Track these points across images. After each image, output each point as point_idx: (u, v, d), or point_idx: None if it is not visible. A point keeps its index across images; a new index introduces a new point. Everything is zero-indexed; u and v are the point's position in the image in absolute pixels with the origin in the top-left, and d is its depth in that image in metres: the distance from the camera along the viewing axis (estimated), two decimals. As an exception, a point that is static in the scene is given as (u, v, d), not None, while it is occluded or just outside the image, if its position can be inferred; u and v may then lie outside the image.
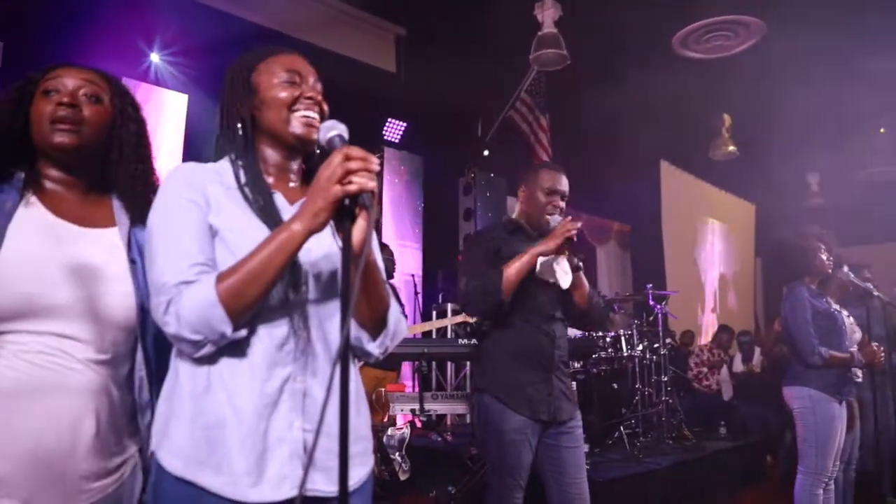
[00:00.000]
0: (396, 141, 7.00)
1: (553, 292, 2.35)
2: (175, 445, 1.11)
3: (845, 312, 3.29)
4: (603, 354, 5.06)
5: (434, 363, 5.95)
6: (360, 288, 1.11)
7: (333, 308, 1.21)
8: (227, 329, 1.07)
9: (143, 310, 1.28)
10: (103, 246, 1.31)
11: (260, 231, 1.15)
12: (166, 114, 5.24)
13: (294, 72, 1.26)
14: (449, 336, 6.24)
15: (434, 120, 6.78)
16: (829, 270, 3.24)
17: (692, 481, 4.77)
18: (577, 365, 4.96)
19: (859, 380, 3.25)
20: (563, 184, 2.38)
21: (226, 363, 1.12)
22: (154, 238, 1.15)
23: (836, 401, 3.06)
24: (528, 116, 7.46)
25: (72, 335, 1.22)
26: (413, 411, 3.95)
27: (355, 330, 1.23)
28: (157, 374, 1.28)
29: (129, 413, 1.31)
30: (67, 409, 1.20)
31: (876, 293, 3.15)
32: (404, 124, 6.94)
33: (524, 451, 2.22)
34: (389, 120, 6.85)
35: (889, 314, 3.67)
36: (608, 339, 5.11)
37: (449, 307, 6.27)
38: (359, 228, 1.05)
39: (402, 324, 1.31)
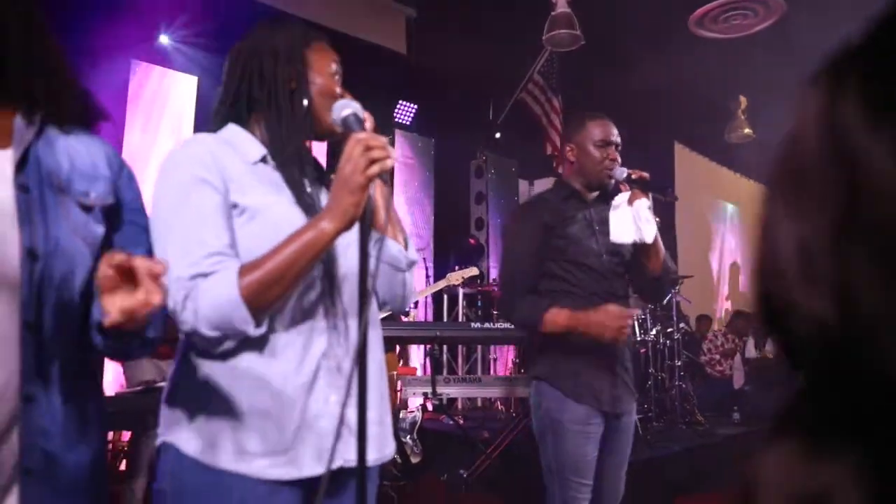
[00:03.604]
0: (407, 123, 6.95)
1: (622, 269, 2.09)
2: (208, 436, 1.07)
3: None
4: (616, 339, 5.03)
5: (445, 347, 5.93)
6: (388, 225, 1.17)
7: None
8: (249, 328, 1.03)
9: (36, 263, 0.90)
10: None
11: (289, 211, 1.13)
12: (176, 96, 5.21)
13: (338, 65, 1.25)
14: (460, 320, 6.23)
15: (445, 102, 6.72)
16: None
17: (705, 467, 4.75)
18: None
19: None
20: (615, 133, 2.09)
21: (255, 351, 1.08)
22: (162, 225, 1.08)
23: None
24: (540, 98, 7.37)
25: None
26: (425, 395, 3.95)
27: (394, 250, 1.24)
28: (51, 368, 0.88)
29: None
30: None
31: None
32: (415, 107, 6.88)
33: (588, 445, 1.96)
34: (400, 102, 6.79)
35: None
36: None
37: (461, 292, 6.25)
38: (379, 207, 1.06)
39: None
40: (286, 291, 1.05)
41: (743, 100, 7.93)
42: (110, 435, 3.81)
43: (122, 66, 4.84)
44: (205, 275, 1.03)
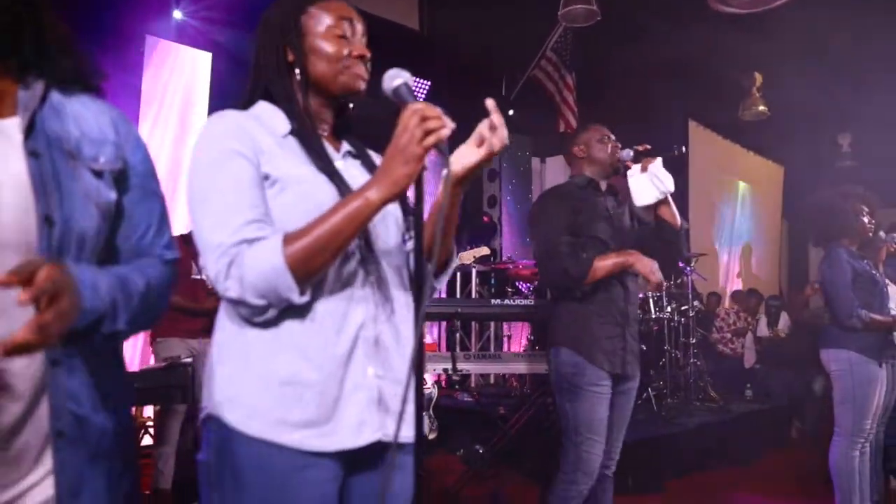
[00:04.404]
0: (420, 100, 6.88)
1: (630, 243, 2.36)
2: (249, 406, 1.08)
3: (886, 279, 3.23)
4: (631, 316, 5.05)
5: (459, 324, 5.96)
6: (441, 235, 1.13)
7: (400, 255, 1.21)
8: (295, 296, 1.03)
9: (53, 229, 0.88)
10: None
11: (319, 181, 1.12)
12: (190, 72, 5.19)
13: (347, 21, 1.20)
14: (473, 296, 6.24)
15: (458, 79, 6.66)
16: (871, 233, 3.16)
17: (719, 442, 4.79)
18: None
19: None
20: (608, 132, 2.48)
21: (295, 320, 1.09)
22: (199, 197, 1.08)
23: (875, 363, 3.02)
24: (553, 75, 7.31)
25: None
26: (445, 371, 3.97)
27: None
28: (71, 334, 0.84)
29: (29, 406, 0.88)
30: None
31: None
32: (428, 83, 6.82)
33: (602, 405, 2.23)
34: (413, 79, 6.71)
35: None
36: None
37: (473, 269, 6.25)
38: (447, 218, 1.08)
39: (456, 255, 1.33)
40: (331, 260, 1.05)
41: (758, 76, 7.84)
42: (133, 410, 3.87)
43: (136, 41, 4.81)
44: (248, 241, 1.03)
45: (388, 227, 1.18)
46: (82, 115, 0.98)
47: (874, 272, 3.13)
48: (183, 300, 3.58)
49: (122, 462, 0.99)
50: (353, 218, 1.03)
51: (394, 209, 1.19)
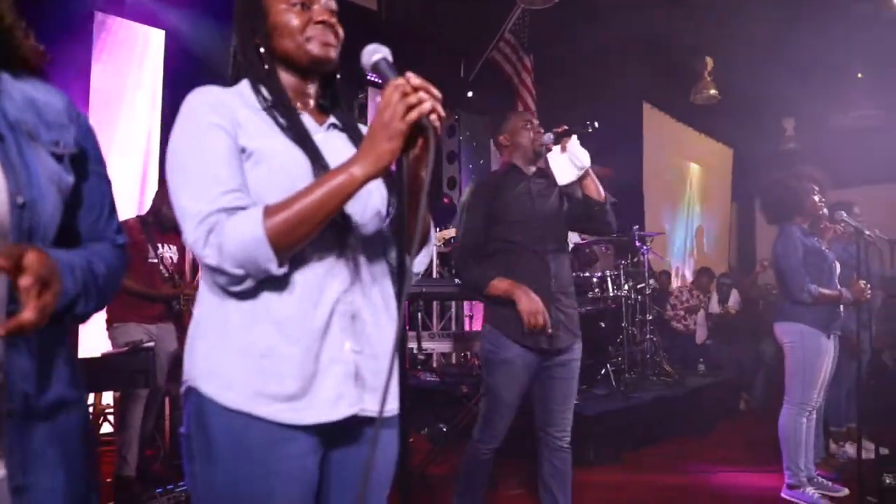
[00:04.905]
0: (379, 81, 6.82)
1: (554, 220, 2.50)
2: (225, 378, 1.09)
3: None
4: (590, 295, 5.16)
5: (422, 303, 5.99)
6: (414, 213, 1.09)
7: (378, 231, 1.22)
8: (273, 266, 1.04)
9: (23, 211, 0.89)
10: None
11: (294, 154, 1.13)
12: (143, 50, 5.03)
13: None
14: (434, 276, 6.27)
15: (416, 60, 6.60)
16: (821, 212, 3.31)
17: (674, 415, 4.97)
18: (565, 305, 5.06)
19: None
20: (533, 118, 2.61)
21: (273, 292, 1.09)
22: (178, 169, 1.09)
23: (824, 335, 3.18)
24: (511, 57, 7.34)
25: None
26: (410, 350, 4.00)
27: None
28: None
29: None
30: None
31: (867, 232, 3.24)
32: (386, 64, 6.76)
33: (515, 380, 2.39)
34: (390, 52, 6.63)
35: (871, 254, 3.79)
36: (595, 280, 5.21)
37: (434, 251, 6.28)
38: (418, 159, 1.04)
39: (433, 238, 1.33)
40: (311, 233, 1.05)
41: (709, 61, 8.03)
42: (91, 398, 3.78)
43: (84, 18, 4.63)
44: (227, 210, 1.04)
45: (369, 202, 1.19)
46: (36, 99, 0.97)
47: (823, 249, 3.29)
48: (140, 286, 3.52)
49: (76, 442, 0.98)
50: (336, 193, 1.03)
51: (377, 184, 1.19)
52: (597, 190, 2.49)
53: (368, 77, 6.71)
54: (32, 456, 0.90)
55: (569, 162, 2.44)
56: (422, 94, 0.98)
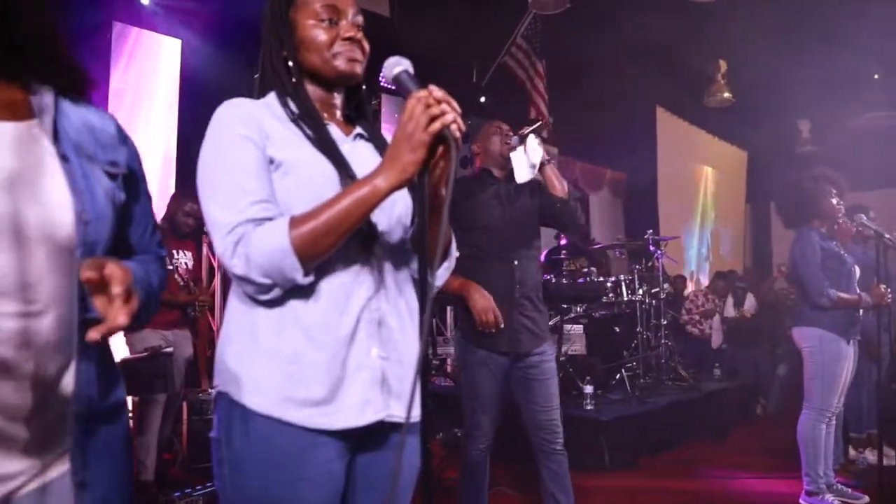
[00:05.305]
0: (393, 87, 6.85)
1: (523, 226, 2.58)
2: (254, 384, 1.11)
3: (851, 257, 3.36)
4: (605, 299, 5.15)
5: (435, 308, 6.00)
6: (436, 226, 1.09)
7: (402, 240, 1.23)
8: (299, 276, 1.06)
9: (88, 227, 0.96)
10: (21, 142, 0.94)
11: (322, 164, 1.15)
12: (160, 60, 5.09)
13: (331, 7, 1.23)
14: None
15: (429, 66, 6.63)
16: (839, 215, 3.28)
17: (690, 420, 4.94)
18: (579, 309, 5.05)
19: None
20: (502, 123, 2.68)
21: (300, 300, 1.11)
22: (208, 181, 1.12)
23: (843, 340, 3.15)
24: (523, 62, 7.35)
25: None
26: (427, 355, 4.01)
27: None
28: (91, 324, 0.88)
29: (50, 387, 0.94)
30: None
31: (887, 235, 3.20)
32: (400, 70, 6.80)
33: (486, 380, 2.49)
34: (411, 64, 6.67)
35: (890, 258, 3.75)
36: (609, 285, 5.19)
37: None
38: (439, 168, 1.04)
39: (455, 254, 1.33)
40: (336, 243, 1.07)
41: (722, 64, 8.00)
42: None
43: (102, 27, 4.70)
44: (255, 220, 1.07)
45: (394, 212, 1.21)
46: (91, 122, 1.05)
47: (842, 253, 3.26)
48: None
49: (124, 442, 1.06)
50: (361, 204, 1.05)
51: (402, 194, 1.20)
52: (558, 186, 2.53)
53: (382, 83, 6.76)
54: (93, 454, 0.98)
55: (525, 160, 2.50)
56: (444, 107, 1.00)
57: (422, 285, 1.03)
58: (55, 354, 0.94)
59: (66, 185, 0.95)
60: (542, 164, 2.48)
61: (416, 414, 1.13)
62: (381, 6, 6.37)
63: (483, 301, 2.39)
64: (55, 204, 0.93)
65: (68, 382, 0.96)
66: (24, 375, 0.90)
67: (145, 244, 1.13)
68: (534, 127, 2.51)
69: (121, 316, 0.85)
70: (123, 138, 1.10)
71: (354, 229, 1.08)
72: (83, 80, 1.06)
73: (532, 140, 2.48)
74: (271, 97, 1.24)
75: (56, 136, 0.98)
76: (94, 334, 0.83)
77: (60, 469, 0.95)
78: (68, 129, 1.00)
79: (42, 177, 0.94)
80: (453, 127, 1.00)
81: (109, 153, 1.05)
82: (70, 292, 0.95)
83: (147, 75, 5.00)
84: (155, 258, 1.14)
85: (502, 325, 2.40)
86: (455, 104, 1.02)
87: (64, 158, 0.96)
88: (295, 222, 1.05)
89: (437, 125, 1.00)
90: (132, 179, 1.09)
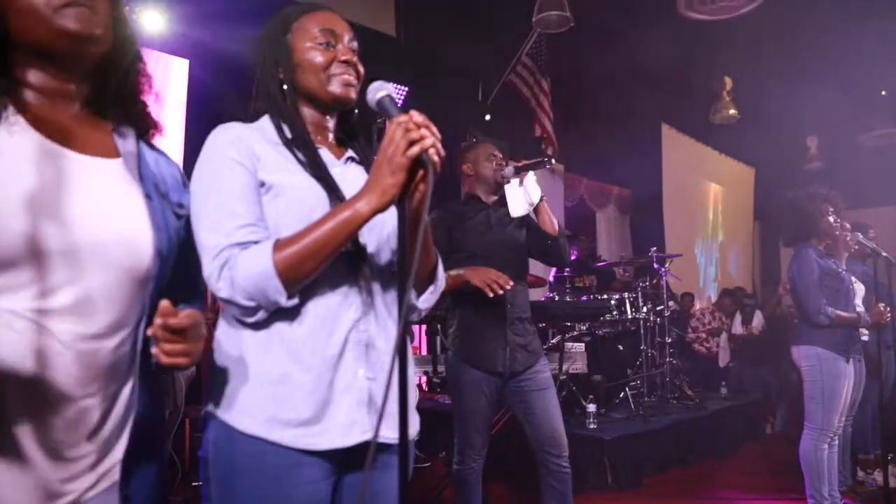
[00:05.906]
0: (399, 106, 6.90)
1: (512, 250, 2.58)
2: (241, 404, 1.12)
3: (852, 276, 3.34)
4: (608, 317, 5.13)
5: (440, 326, 6.00)
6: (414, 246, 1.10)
7: (389, 262, 1.24)
8: (282, 299, 1.08)
9: (163, 262, 1.06)
10: (113, 178, 1.02)
11: (312, 188, 1.17)
12: (167, 79, 5.17)
13: (328, 31, 1.26)
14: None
15: (435, 84, 6.71)
16: (837, 233, 3.27)
17: (696, 439, 4.88)
18: (583, 328, 5.03)
19: (866, 338, 3.31)
20: (497, 150, 2.66)
21: (286, 321, 1.13)
22: (199, 200, 1.14)
23: (843, 359, 3.12)
24: (529, 80, 7.39)
25: (61, 306, 0.92)
26: (426, 373, 4.00)
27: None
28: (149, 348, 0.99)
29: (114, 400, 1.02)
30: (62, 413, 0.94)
31: (884, 253, 3.19)
32: (405, 89, 6.86)
33: (479, 401, 2.49)
34: (394, 87, 6.74)
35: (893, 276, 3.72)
36: (612, 302, 5.18)
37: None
38: (419, 192, 1.06)
39: (443, 278, 1.33)
40: (319, 266, 1.09)
41: (728, 81, 8.01)
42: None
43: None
44: (241, 244, 1.09)
45: (382, 232, 1.22)
46: (161, 164, 1.13)
47: (840, 270, 3.24)
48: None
49: (160, 453, 1.14)
50: (343, 227, 1.07)
51: (391, 214, 1.22)
52: (550, 223, 2.55)
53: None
54: (136, 469, 1.06)
55: (521, 196, 2.51)
56: (423, 131, 1.02)
57: (400, 305, 1.04)
58: (119, 375, 1.00)
59: (148, 221, 1.03)
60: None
61: (395, 436, 1.14)
62: (387, 25, 6.45)
63: (484, 273, 2.34)
64: (140, 239, 1.01)
65: (125, 400, 1.02)
66: (90, 394, 0.96)
67: (192, 279, 1.17)
68: (533, 162, 2.51)
69: (199, 350, 0.99)
70: (185, 182, 1.18)
71: (338, 252, 1.10)
72: (154, 125, 1.15)
73: (531, 178, 2.49)
74: (265, 120, 1.26)
75: (140, 176, 1.06)
76: (166, 361, 0.95)
77: (110, 480, 1.01)
78: (148, 170, 1.09)
79: (130, 212, 1.02)
80: (431, 151, 1.02)
81: (177, 195, 1.13)
82: (137, 319, 1.03)
83: (154, 95, 5.07)
84: (202, 294, 1.22)
85: (510, 285, 2.33)
86: (434, 129, 1.04)
87: (147, 196, 1.05)
88: (279, 246, 1.08)
89: (415, 149, 1.02)
90: (189, 222, 1.16)
